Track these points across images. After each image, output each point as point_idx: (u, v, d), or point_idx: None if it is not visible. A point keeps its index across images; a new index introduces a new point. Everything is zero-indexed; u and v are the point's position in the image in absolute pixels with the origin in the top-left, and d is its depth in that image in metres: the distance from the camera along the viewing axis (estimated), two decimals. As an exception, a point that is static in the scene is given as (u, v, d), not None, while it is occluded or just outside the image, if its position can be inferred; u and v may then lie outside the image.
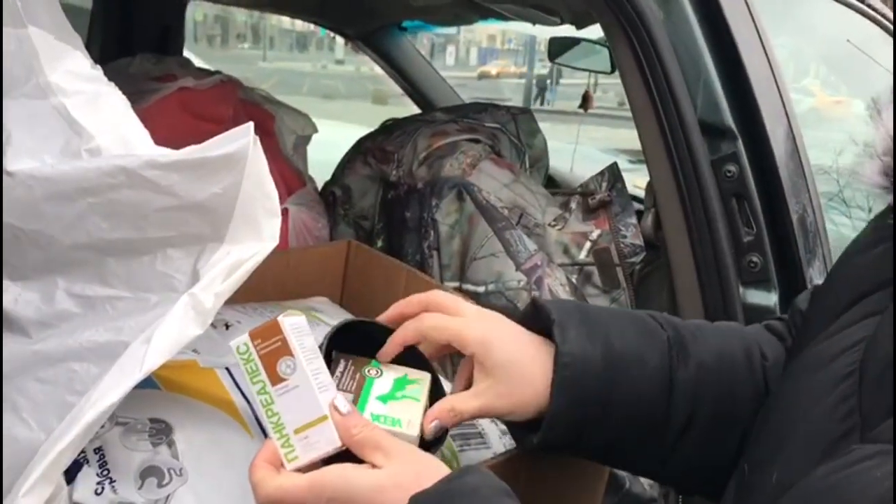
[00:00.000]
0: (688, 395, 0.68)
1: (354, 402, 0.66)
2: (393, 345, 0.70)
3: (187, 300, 0.60)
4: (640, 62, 1.09)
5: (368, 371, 0.70)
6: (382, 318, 0.72)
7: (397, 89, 2.52)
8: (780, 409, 0.57)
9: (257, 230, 0.65)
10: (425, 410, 0.67)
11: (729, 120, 1.08)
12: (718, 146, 1.08)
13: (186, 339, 0.60)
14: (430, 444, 0.67)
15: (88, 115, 0.70)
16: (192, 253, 0.66)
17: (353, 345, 0.71)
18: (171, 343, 0.59)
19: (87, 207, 0.63)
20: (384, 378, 0.70)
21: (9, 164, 0.64)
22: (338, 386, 0.65)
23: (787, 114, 1.10)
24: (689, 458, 0.69)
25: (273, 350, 0.60)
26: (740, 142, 1.07)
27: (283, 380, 0.60)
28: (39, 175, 0.63)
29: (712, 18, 1.09)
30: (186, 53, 2.37)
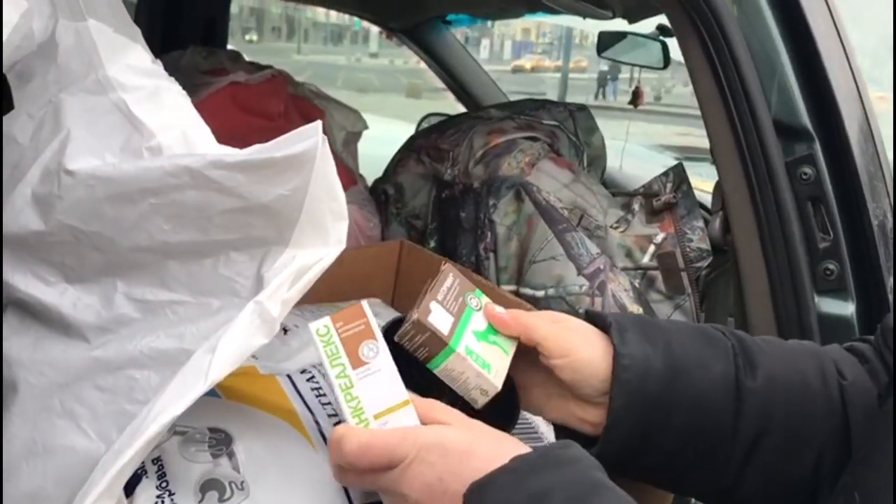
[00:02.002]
0: (758, 407, 0.64)
1: (454, 326, 0.64)
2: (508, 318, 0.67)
3: (253, 308, 0.57)
4: (711, 58, 1.04)
5: (470, 299, 0.67)
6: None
7: (432, 83, 2.50)
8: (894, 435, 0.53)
9: (324, 234, 0.62)
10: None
11: (805, 120, 1.02)
12: (794, 147, 1.02)
13: (252, 349, 0.57)
14: (505, 424, 0.65)
15: (149, 112, 0.67)
16: (256, 257, 0.63)
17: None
18: (237, 353, 0.57)
19: (149, 208, 0.60)
20: (481, 314, 0.67)
21: (69, 163, 0.61)
22: (442, 302, 0.65)
23: (866, 114, 1.05)
24: (757, 478, 0.65)
25: (355, 334, 0.60)
26: (817, 143, 1.02)
27: (364, 363, 0.59)
28: (101, 175, 0.60)
29: (789, 12, 1.03)
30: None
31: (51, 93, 0.69)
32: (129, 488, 0.61)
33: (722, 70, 1.03)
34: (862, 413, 0.65)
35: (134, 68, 0.71)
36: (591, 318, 0.67)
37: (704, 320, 1.16)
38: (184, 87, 1.44)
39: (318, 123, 0.60)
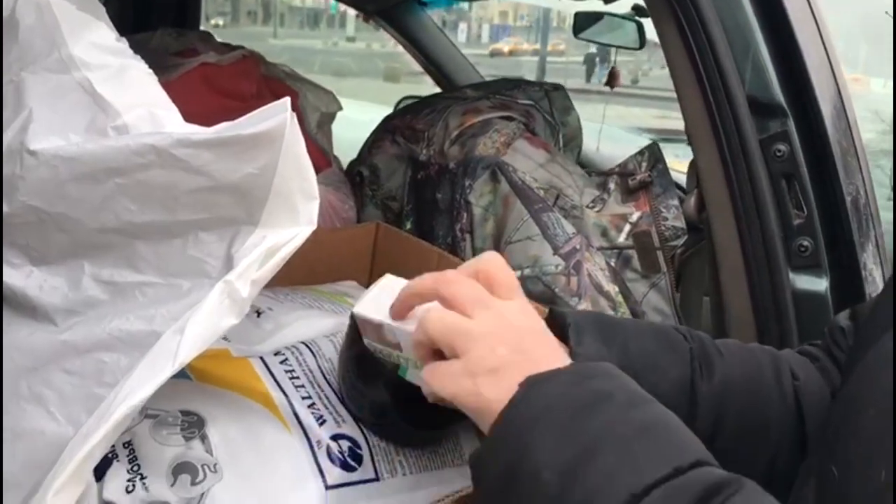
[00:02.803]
0: (711, 409, 0.65)
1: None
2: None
3: (223, 288, 0.57)
4: (686, 36, 1.03)
5: None
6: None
7: (410, 67, 2.47)
8: (867, 405, 0.54)
9: (294, 214, 0.62)
10: None
11: (779, 96, 1.02)
12: (768, 124, 1.02)
13: (222, 330, 0.56)
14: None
15: (114, 91, 0.66)
16: (225, 237, 0.62)
17: None
18: (206, 334, 0.56)
19: (114, 188, 0.59)
20: None
21: (32, 143, 0.60)
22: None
23: (839, 90, 1.05)
24: None
25: None
26: (791, 120, 1.02)
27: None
28: (65, 154, 0.59)
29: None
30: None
31: (12, 72, 0.68)
32: (100, 472, 0.61)
33: (696, 48, 1.03)
34: (817, 411, 0.66)
35: (98, 46, 0.70)
36: (553, 316, 0.67)
37: (680, 299, 1.16)
38: (154, 69, 1.41)
39: (287, 100, 0.59)
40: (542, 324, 0.58)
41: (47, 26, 0.69)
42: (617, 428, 0.49)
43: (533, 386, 0.50)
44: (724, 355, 0.68)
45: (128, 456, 0.63)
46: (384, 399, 0.66)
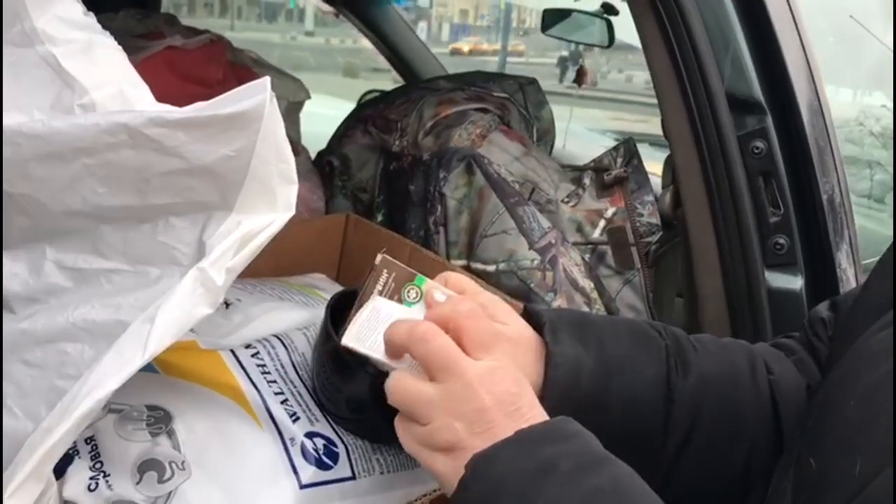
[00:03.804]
0: (687, 406, 0.64)
1: None
2: None
3: (196, 275, 0.54)
4: (666, 31, 1.02)
5: (408, 292, 0.64)
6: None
7: (368, 63, 2.45)
8: (847, 397, 0.53)
9: (271, 198, 0.59)
10: None
11: (758, 93, 1.02)
12: (746, 121, 1.02)
13: (195, 320, 0.54)
14: None
15: (81, 67, 0.62)
16: (198, 222, 0.60)
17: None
18: (178, 324, 0.53)
19: (82, 169, 0.56)
20: (419, 306, 0.63)
21: (-8, 119, 0.56)
22: None
23: (817, 89, 1.05)
24: (691, 475, 0.65)
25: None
26: (769, 117, 1.01)
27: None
28: (28, 132, 0.56)
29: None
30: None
31: (-28, 44, 0.64)
32: (60, 470, 0.57)
33: (676, 43, 1.02)
34: (792, 404, 0.66)
35: (64, 20, 0.66)
36: (528, 314, 0.66)
37: (653, 296, 1.15)
38: (117, 51, 1.36)
39: (267, 79, 0.56)
40: (513, 384, 0.56)
41: (9, -3, 0.65)
42: (561, 501, 0.49)
43: (479, 466, 0.51)
44: (699, 351, 0.68)
45: (90, 452, 0.60)
46: (361, 394, 0.64)
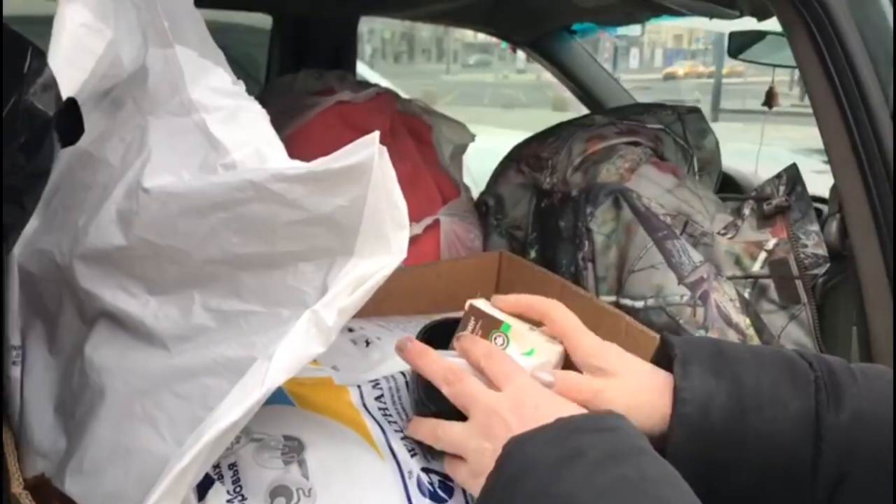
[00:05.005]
0: (840, 445, 0.59)
1: None
2: (518, 305, 0.70)
3: (309, 316, 0.59)
4: (822, 53, 0.97)
5: (495, 337, 0.68)
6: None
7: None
8: None
9: (385, 243, 0.63)
10: None
11: (928, 113, 0.94)
12: (916, 144, 0.94)
13: (308, 357, 0.58)
14: None
15: (226, 130, 0.70)
16: (323, 267, 0.64)
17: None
18: (293, 361, 0.58)
19: (218, 222, 0.63)
20: (510, 349, 0.67)
21: (146, 181, 0.65)
22: None
23: None
24: None
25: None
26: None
27: None
28: (173, 191, 0.64)
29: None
30: (373, 70, 2.43)
31: (140, 116, 0.74)
32: (202, 491, 0.64)
33: (833, 66, 0.97)
34: None
35: (215, 90, 0.74)
36: (663, 345, 0.65)
37: (823, 331, 1.08)
38: (294, 108, 1.49)
39: (376, 134, 0.60)
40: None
41: (172, 73, 0.74)
42: (581, 493, 0.49)
43: (513, 449, 0.55)
44: (859, 384, 0.62)
45: (232, 477, 0.66)
46: (450, 412, 0.66)
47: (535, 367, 0.65)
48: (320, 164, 0.61)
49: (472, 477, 0.59)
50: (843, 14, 0.96)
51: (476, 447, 0.59)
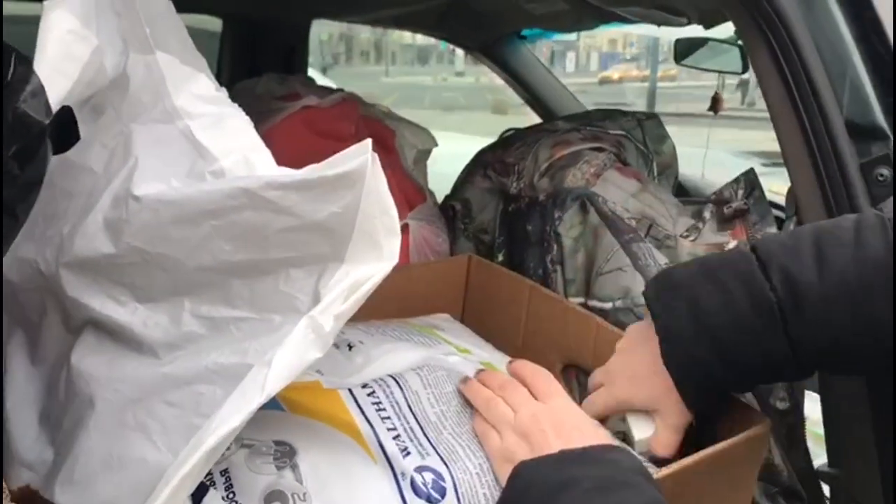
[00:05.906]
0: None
1: None
2: None
3: (307, 323, 0.59)
4: (779, 62, 1.01)
5: None
6: None
7: (517, 99, 2.50)
8: None
9: (377, 249, 0.64)
10: None
11: (880, 119, 0.98)
12: (869, 148, 0.98)
13: (306, 363, 0.59)
14: None
15: (212, 138, 0.70)
16: (314, 273, 0.65)
17: None
18: (292, 367, 0.58)
19: (210, 230, 0.63)
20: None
21: (136, 189, 0.65)
22: None
23: (946, 110, 1.00)
24: None
25: None
26: (893, 142, 0.98)
27: None
28: (165, 199, 0.64)
29: (859, 9, 1.00)
30: (312, 72, 2.42)
31: (122, 123, 0.73)
32: (197, 499, 0.64)
33: (790, 73, 1.01)
34: None
35: (199, 97, 0.74)
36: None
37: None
38: (259, 113, 1.48)
39: (369, 142, 0.61)
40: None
41: (154, 80, 0.74)
42: None
43: (519, 472, 0.62)
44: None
45: (224, 483, 0.66)
46: None
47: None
48: (314, 171, 0.62)
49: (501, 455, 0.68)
50: (799, 23, 1.00)
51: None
